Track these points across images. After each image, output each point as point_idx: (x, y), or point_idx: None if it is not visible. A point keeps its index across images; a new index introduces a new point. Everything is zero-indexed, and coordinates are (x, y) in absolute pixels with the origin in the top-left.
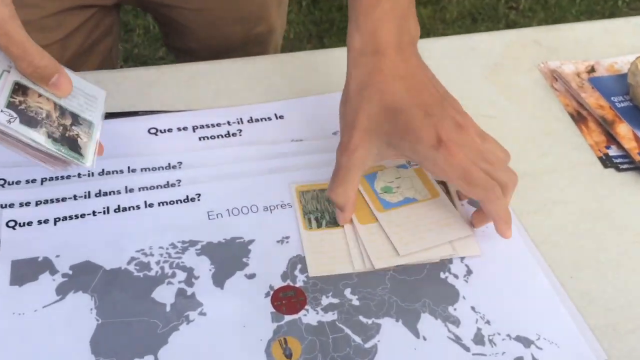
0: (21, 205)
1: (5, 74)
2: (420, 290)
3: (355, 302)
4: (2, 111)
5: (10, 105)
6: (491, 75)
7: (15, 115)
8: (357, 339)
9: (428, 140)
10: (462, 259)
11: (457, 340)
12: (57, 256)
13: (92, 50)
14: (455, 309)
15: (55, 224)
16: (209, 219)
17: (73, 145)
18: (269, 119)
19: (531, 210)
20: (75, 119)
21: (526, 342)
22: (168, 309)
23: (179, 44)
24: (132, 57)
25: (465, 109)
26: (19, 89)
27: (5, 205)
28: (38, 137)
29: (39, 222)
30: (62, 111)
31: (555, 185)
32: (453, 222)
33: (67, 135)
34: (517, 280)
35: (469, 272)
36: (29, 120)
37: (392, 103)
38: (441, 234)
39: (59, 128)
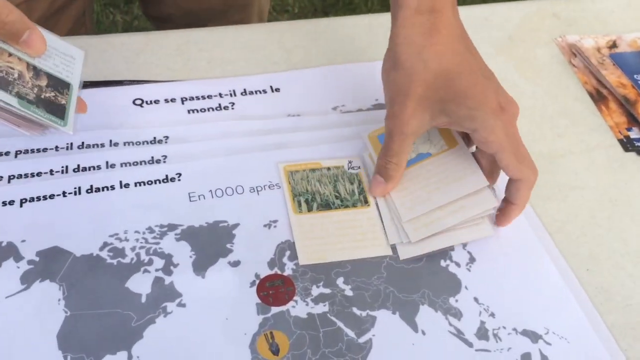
0: None
1: None
2: (419, 279)
3: (349, 293)
4: None
5: None
6: (505, 49)
7: None
8: (351, 333)
9: (490, 105)
10: (464, 245)
11: (459, 334)
12: (23, 241)
13: (62, 13)
14: (456, 301)
15: (21, 206)
16: (190, 200)
17: (50, 107)
18: (264, 91)
19: (544, 196)
20: (52, 80)
21: (534, 336)
22: (144, 299)
23: (158, 12)
24: (132, 30)
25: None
26: None
27: None
28: (9, 98)
29: (4, 204)
30: (37, 72)
31: (571, 169)
32: (467, 174)
33: (42, 97)
34: (524, 270)
35: (472, 259)
36: None
37: (450, 66)
38: (449, 192)
39: (33, 89)
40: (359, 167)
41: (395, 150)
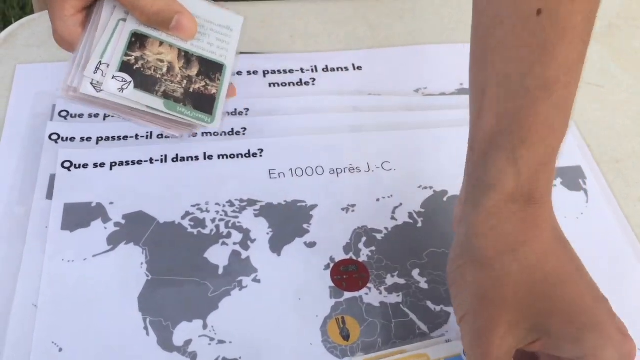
0: (82, 140)
1: (121, 24)
2: None
3: (424, 285)
4: (113, 77)
5: (124, 66)
6: (602, 37)
7: (128, 79)
8: (423, 327)
9: (606, 328)
10: None
11: None
12: (111, 203)
13: None
14: None
15: (111, 169)
16: (270, 177)
17: (198, 101)
18: (346, 69)
19: (635, 198)
20: (204, 65)
21: None
22: (221, 271)
23: None
24: None
25: None
26: (136, 42)
27: (67, 138)
28: (154, 101)
29: (95, 166)
30: (188, 59)
31: None
32: None
33: (191, 89)
34: (611, 278)
35: None
36: (145, 82)
37: (553, 271)
38: None
39: (182, 83)
40: None
41: None
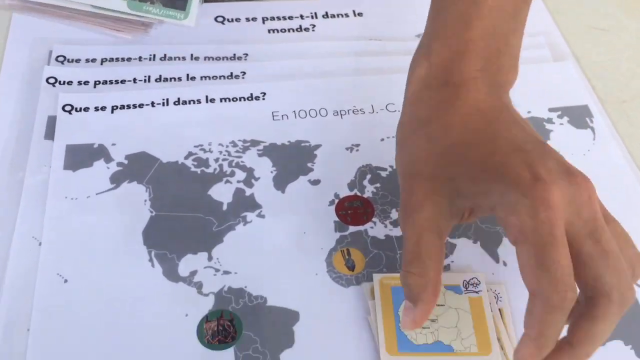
0: (79, 83)
1: None
2: None
3: None
4: None
5: None
6: None
7: None
8: None
9: (515, 175)
10: None
11: None
12: (113, 144)
13: None
14: None
15: (112, 112)
16: (274, 119)
17: None
18: (346, 15)
19: None
20: None
21: None
22: (225, 207)
23: None
24: None
25: (575, 18)
26: None
27: (64, 82)
28: (117, 3)
29: (96, 109)
30: None
31: None
32: None
33: None
34: (618, 212)
35: None
36: None
37: (463, 137)
38: None
39: None
40: (480, 289)
41: (414, 253)
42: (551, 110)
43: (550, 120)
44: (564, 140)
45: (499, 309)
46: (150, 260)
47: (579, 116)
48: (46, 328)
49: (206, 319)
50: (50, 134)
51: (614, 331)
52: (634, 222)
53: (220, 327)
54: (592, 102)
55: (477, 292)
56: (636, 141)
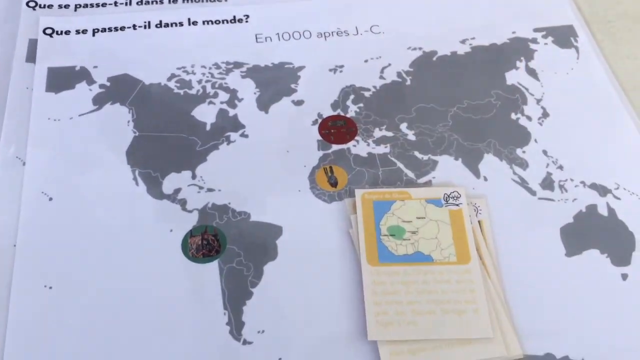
0: (60, 7)
1: None
2: (486, 130)
3: (411, 137)
4: None
5: None
6: None
7: None
8: (410, 174)
9: None
10: (538, 100)
11: (523, 183)
12: (95, 67)
13: None
14: (524, 152)
15: (93, 35)
16: (257, 41)
17: None
18: None
19: (624, 55)
20: None
21: (602, 190)
22: (208, 127)
23: None
24: None
25: None
26: None
27: (44, 5)
28: None
29: (77, 32)
30: None
31: None
32: (469, 312)
33: None
34: (600, 126)
35: (546, 115)
36: None
37: None
38: (442, 327)
39: None
40: (460, 202)
41: None
42: (536, 30)
43: (534, 40)
44: (547, 59)
45: (479, 221)
46: (135, 178)
47: (563, 36)
48: (32, 244)
49: (190, 234)
50: (31, 57)
51: (590, 240)
52: (615, 138)
53: (205, 242)
54: (577, 22)
55: (457, 205)
56: (619, 60)
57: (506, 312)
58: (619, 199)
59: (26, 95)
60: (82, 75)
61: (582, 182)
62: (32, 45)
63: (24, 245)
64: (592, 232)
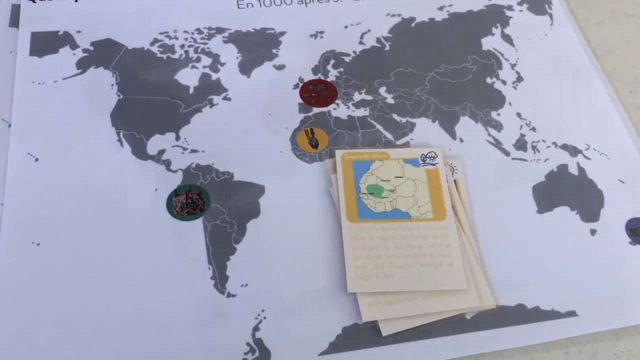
0: None
1: None
2: (463, 93)
3: (390, 101)
4: None
5: None
6: None
7: None
8: (389, 136)
9: None
10: (513, 65)
11: (497, 144)
12: (78, 32)
13: None
14: (498, 114)
15: (76, 1)
16: (239, 8)
17: None
18: None
19: (596, 21)
20: None
21: (573, 151)
22: (191, 91)
23: None
24: None
25: None
26: None
27: None
28: None
29: None
30: None
31: None
32: (444, 264)
33: None
34: (571, 89)
35: (520, 79)
36: None
37: None
38: (419, 279)
39: None
40: (437, 162)
41: None
42: None
43: (510, 7)
44: (522, 25)
45: (454, 180)
46: (119, 140)
47: (538, 3)
48: (19, 203)
49: (175, 193)
50: (14, 22)
51: (561, 198)
52: (586, 101)
53: (189, 200)
54: None
55: (434, 165)
56: (591, 26)
57: (480, 265)
58: (589, 159)
59: (10, 59)
60: (65, 39)
61: (554, 143)
62: (15, 10)
63: (11, 204)
64: (562, 190)
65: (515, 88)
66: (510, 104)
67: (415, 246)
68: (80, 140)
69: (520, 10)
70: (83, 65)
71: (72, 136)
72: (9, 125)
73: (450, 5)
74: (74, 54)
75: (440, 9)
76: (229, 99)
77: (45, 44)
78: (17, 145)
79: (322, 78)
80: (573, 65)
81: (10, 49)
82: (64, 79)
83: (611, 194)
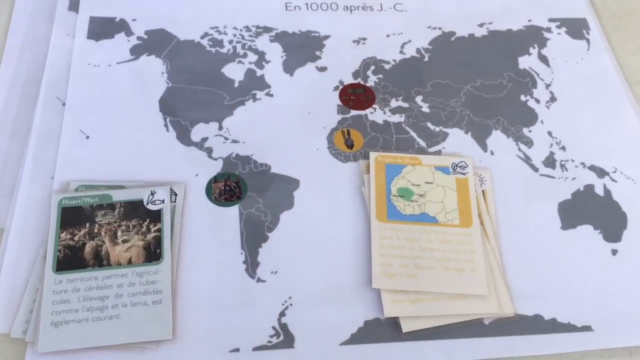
0: None
1: None
2: (497, 108)
3: (426, 110)
4: None
5: None
6: None
7: None
8: (422, 143)
9: None
10: (547, 85)
11: (527, 159)
12: (134, 20)
13: None
14: (530, 131)
15: None
16: (287, 9)
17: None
18: None
19: (632, 49)
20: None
21: (601, 172)
22: (236, 85)
23: None
24: None
25: None
26: None
27: None
28: None
29: None
30: None
31: None
32: (468, 270)
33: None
34: (604, 113)
35: (553, 99)
36: None
37: None
38: (439, 282)
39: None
40: (467, 172)
41: None
42: (551, 20)
43: (549, 30)
44: (559, 48)
45: (483, 191)
46: (166, 125)
47: (576, 27)
48: (69, 177)
49: (214, 179)
50: (74, 6)
51: (585, 217)
52: (616, 126)
53: (227, 187)
54: (590, 15)
55: (463, 174)
56: (627, 54)
57: (502, 274)
58: (615, 181)
59: (68, 42)
60: (121, 26)
61: (582, 164)
62: None
63: (61, 178)
64: (587, 209)
65: (548, 107)
66: (542, 122)
67: (440, 250)
68: (129, 122)
69: (559, 33)
70: (136, 51)
71: (122, 118)
72: (63, 104)
73: (491, 23)
74: (129, 41)
75: (481, 25)
76: (271, 95)
77: (102, 28)
78: (70, 123)
79: (362, 83)
80: (606, 90)
81: (69, 32)
82: (117, 63)
83: (635, 217)
